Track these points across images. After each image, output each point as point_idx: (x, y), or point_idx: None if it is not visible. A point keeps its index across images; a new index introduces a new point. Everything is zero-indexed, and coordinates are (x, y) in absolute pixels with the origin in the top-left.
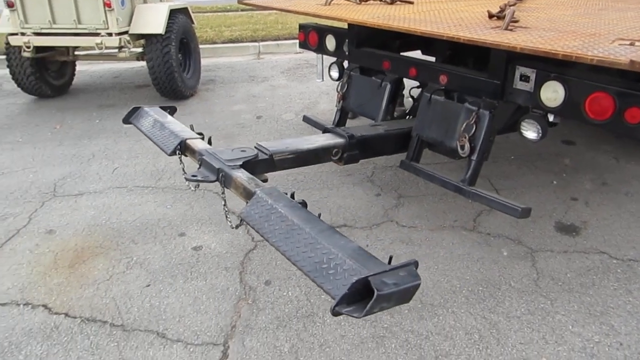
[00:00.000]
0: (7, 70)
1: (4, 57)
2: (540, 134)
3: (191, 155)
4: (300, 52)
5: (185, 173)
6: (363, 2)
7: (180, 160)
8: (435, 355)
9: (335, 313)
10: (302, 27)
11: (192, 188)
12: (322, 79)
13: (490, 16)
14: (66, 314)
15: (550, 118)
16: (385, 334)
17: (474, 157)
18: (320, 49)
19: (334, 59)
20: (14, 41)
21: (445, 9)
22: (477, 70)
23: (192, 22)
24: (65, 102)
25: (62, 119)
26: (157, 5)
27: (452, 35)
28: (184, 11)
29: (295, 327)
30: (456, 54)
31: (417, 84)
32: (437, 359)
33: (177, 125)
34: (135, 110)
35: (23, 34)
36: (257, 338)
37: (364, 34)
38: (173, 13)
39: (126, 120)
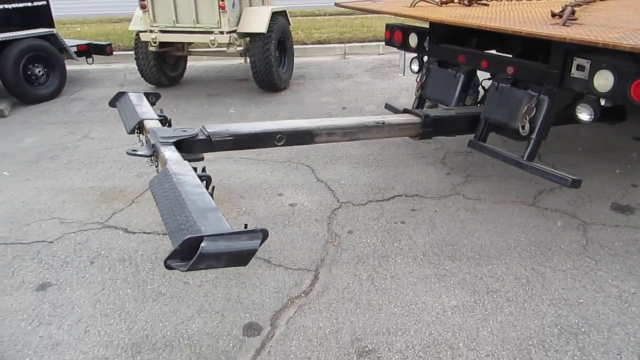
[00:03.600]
0: (128, 64)
1: (124, 52)
2: (593, 116)
3: (145, 134)
4: (383, 53)
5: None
6: (444, 4)
7: (139, 139)
8: (486, 291)
9: (166, 266)
10: (389, 27)
11: (150, 164)
12: (404, 73)
13: (553, 15)
14: None
15: (602, 102)
16: (445, 274)
17: (533, 136)
18: (404, 45)
19: (414, 55)
20: (144, 37)
21: (516, 10)
22: (540, 62)
23: (289, 24)
24: (178, 91)
25: (177, 105)
26: (261, 7)
27: (515, 29)
28: (282, 13)
29: (372, 264)
30: (527, 51)
31: (489, 76)
32: (488, 294)
33: (145, 108)
34: (120, 94)
35: (151, 31)
36: (341, 268)
37: (444, 32)
38: (274, 15)
39: (112, 103)
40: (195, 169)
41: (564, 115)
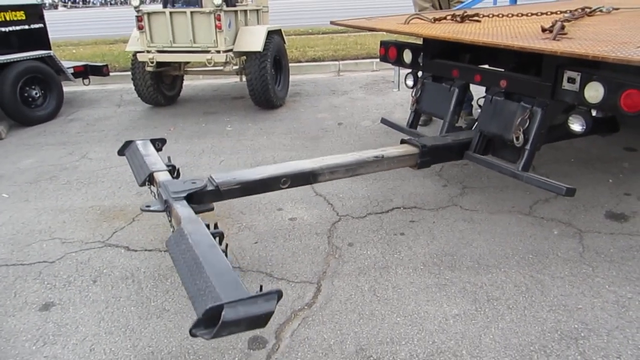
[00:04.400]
0: (124, 85)
1: (120, 73)
2: (584, 127)
3: (156, 187)
4: (376, 70)
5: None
6: (437, 21)
7: (151, 190)
8: (487, 299)
9: (192, 334)
10: (383, 43)
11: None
12: (399, 88)
13: (543, 30)
14: None
15: (594, 113)
16: (446, 283)
17: (528, 147)
18: (398, 62)
19: (408, 71)
20: (141, 57)
21: (507, 26)
22: (533, 76)
23: (284, 42)
24: (175, 110)
25: (174, 123)
26: (257, 27)
27: (507, 44)
28: (278, 32)
29: (373, 275)
30: (519, 65)
31: (484, 95)
32: (488, 301)
33: (153, 158)
34: (128, 143)
35: (149, 51)
36: (343, 280)
37: (437, 48)
38: (270, 34)
39: (121, 152)
40: (208, 226)
41: (558, 132)
